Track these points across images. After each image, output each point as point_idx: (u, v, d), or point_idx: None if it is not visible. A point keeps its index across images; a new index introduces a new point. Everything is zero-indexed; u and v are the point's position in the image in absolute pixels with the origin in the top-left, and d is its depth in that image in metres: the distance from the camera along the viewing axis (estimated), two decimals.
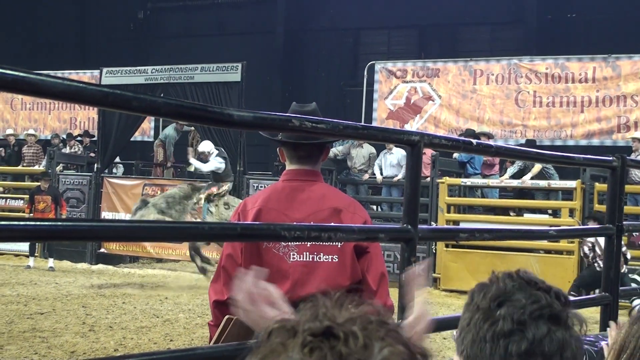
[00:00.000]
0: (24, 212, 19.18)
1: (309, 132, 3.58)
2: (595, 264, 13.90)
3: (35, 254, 19.03)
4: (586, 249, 14.06)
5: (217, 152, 16.91)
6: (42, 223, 2.91)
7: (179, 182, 19.79)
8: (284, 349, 1.27)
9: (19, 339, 10.26)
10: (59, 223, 3.07)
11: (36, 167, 22.58)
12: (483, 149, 5.16)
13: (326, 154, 4.31)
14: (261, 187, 17.38)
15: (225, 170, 16.86)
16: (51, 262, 18.85)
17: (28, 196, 19.58)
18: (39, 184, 19.24)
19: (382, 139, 3.77)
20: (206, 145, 16.98)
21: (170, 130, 21.94)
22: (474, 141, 4.83)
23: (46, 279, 16.58)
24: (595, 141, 20.41)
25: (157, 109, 2.97)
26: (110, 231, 3.03)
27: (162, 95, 15.12)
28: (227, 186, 16.86)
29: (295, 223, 3.80)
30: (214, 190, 16.53)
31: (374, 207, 20.52)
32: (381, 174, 19.51)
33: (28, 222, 3.66)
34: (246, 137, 18.67)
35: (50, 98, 2.75)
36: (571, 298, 11.71)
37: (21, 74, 2.48)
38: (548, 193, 17.92)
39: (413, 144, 3.93)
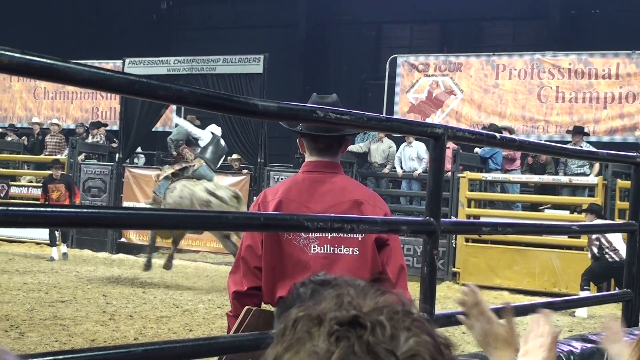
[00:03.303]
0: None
1: (333, 124, 3.59)
2: (607, 255, 13.83)
3: (58, 243, 18.96)
4: (595, 249, 14.00)
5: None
6: (67, 209, 2.92)
7: None
8: (310, 338, 1.27)
9: (40, 326, 10.32)
10: (84, 210, 3.09)
11: (58, 157, 22.69)
12: (507, 142, 5.12)
13: (346, 146, 4.30)
14: (281, 178, 17.39)
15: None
16: (64, 248, 18.84)
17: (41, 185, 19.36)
18: (50, 172, 19.11)
19: (406, 131, 3.77)
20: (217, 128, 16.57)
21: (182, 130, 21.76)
22: (498, 135, 4.82)
23: (67, 267, 16.66)
24: (618, 137, 20.31)
25: (184, 98, 2.98)
26: (134, 219, 3.05)
27: None
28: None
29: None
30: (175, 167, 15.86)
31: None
32: (401, 167, 19.50)
33: (54, 209, 3.67)
34: (267, 128, 18.69)
35: (76, 85, 2.77)
36: (587, 294, 11.62)
37: (49, 61, 2.49)
38: (574, 189, 17.82)
39: (437, 136, 3.93)
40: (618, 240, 13.34)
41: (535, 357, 2.19)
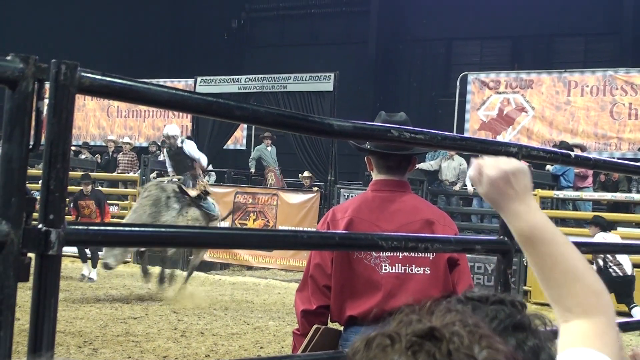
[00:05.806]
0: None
1: (407, 143, 3.59)
2: (610, 270, 13.69)
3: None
4: (600, 262, 13.85)
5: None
6: (146, 229, 2.96)
7: (271, 190, 19.97)
8: (385, 355, 1.27)
9: (112, 342, 10.43)
10: (163, 229, 3.13)
11: (130, 174, 23.00)
12: (581, 161, 5.06)
13: (414, 164, 4.31)
14: (351, 196, 17.36)
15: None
16: (94, 272, 17.46)
17: (72, 202, 17.50)
18: (81, 187, 17.84)
19: (480, 150, 3.75)
20: (175, 129, 15.84)
21: (262, 150, 22.26)
22: (572, 153, 4.77)
23: (138, 284, 16.80)
24: None
25: (260, 119, 3.00)
26: (212, 238, 3.08)
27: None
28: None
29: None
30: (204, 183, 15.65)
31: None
32: (472, 184, 19.38)
33: (133, 228, 3.72)
34: (337, 146, 18.71)
35: (155, 106, 2.81)
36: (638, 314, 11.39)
37: (129, 83, 2.53)
38: None
39: (511, 155, 3.90)
40: (622, 255, 13.33)
41: None
